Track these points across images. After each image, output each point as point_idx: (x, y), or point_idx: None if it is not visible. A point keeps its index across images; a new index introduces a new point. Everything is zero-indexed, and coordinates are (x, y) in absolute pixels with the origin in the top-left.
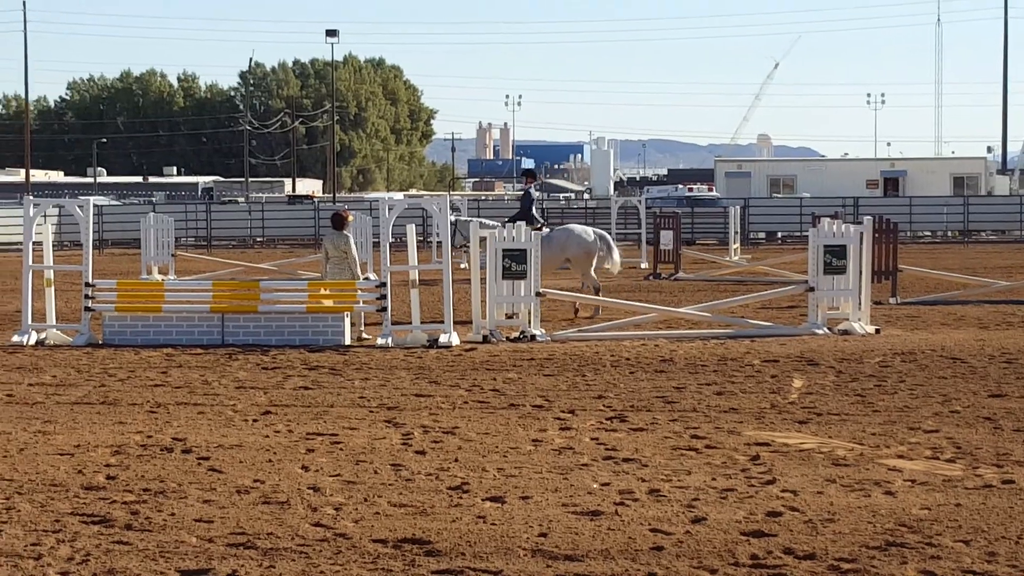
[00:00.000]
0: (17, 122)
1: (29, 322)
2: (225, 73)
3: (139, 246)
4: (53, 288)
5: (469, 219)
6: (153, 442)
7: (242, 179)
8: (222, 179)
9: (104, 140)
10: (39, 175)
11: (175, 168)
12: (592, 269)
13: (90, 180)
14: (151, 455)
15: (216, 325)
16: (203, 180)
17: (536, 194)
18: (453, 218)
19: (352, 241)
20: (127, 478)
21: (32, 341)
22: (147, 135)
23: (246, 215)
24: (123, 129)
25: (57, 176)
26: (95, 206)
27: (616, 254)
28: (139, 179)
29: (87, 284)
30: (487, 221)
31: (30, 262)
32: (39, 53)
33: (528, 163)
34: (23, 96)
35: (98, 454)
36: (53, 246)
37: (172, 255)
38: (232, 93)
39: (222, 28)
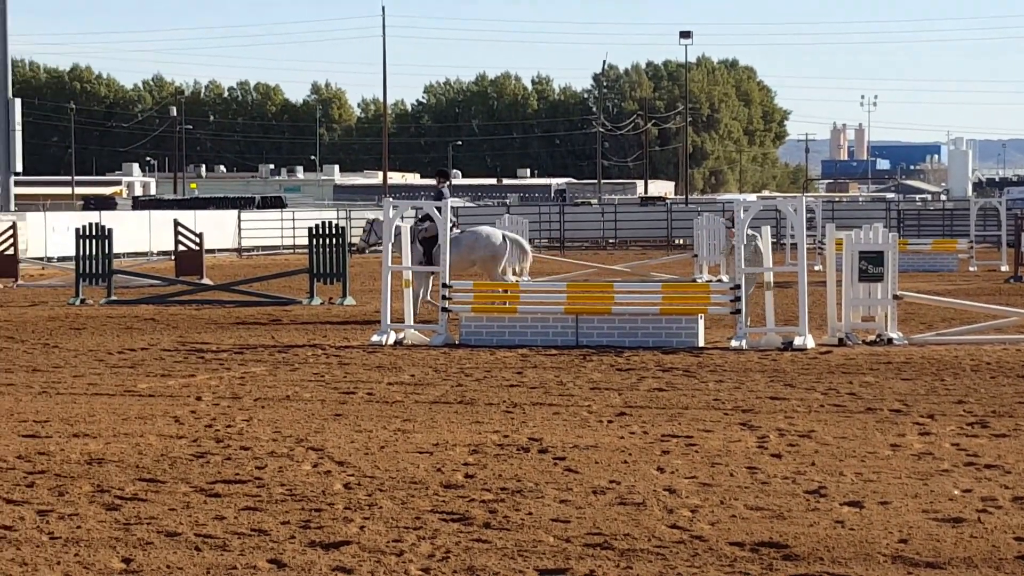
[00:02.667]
0: (375, 126)
1: (388, 322)
2: (579, 75)
3: None
4: (411, 289)
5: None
6: (510, 441)
7: (594, 181)
8: (575, 181)
9: (459, 143)
10: (396, 177)
11: (528, 170)
12: (499, 272)
13: None
14: (508, 454)
15: (570, 326)
16: (556, 182)
17: (448, 194)
18: (371, 217)
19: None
20: (485, 477)
21: (391, 341)
22: (501, 137)
23: (599, 217)
24: (477, 132)
25: (413, 178)
26: (451, 208)
27: (528, 258)
28: (493, 181)
29: (445, 285)
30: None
31: (389, 263)
32: (397, 58)
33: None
34: (381, 100)
35: (456, 453)
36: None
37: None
38: (585, 95)
39: (576, 31)
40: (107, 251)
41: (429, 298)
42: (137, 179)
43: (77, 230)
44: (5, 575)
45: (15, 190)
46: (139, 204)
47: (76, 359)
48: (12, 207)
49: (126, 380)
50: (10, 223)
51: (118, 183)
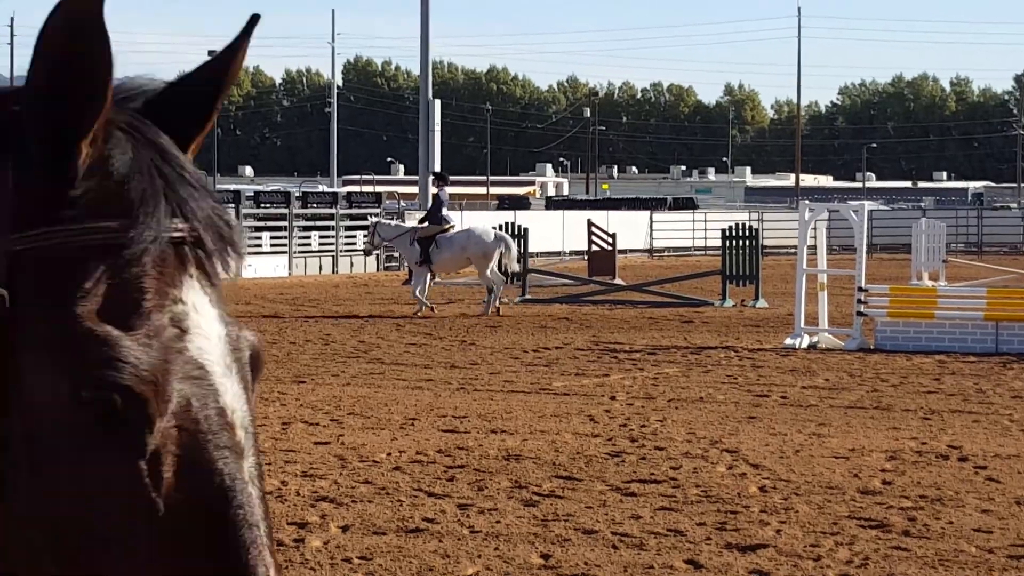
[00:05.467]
0: (788, 127)
1: (801, 325)
2: (999, 77)
3: (908, 251)
4: (826, 292)
5: (388, 222)
6: (928, 449)
7: (1014, 184)
8: (993, 184)
9: (873, 145)
10: (808, 179)
11: (944, 173)
12: (490, 268)
13: (858, 185)
14: (926, 462)
15: (990, 333)
16: (973, 185)
17: (445, 196)
18: (374, 220)
19: None
20: (903, 484)
21: (804, 344)
22: (917, 140)
23: (1019, 221)
24: (893, 134)
25: (826, 180)
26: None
27: (514, 253)
28: (908, 184)
29: (860, 289)
30: (403, 224)
31: (804, 266)
32: (811, 59)
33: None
34: (795, 102)
35: (873, 459)
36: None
37: (943, 261)
38: (1006, 97)
39: (996, 31)
40: (523, 250)
41: (417, 293)
42: (550, 179)
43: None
44: (428, 566)
45: (433, 189)
46: (552, 204)
47: (492, 356)
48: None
49: (541, 378)
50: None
51: (531, 183)
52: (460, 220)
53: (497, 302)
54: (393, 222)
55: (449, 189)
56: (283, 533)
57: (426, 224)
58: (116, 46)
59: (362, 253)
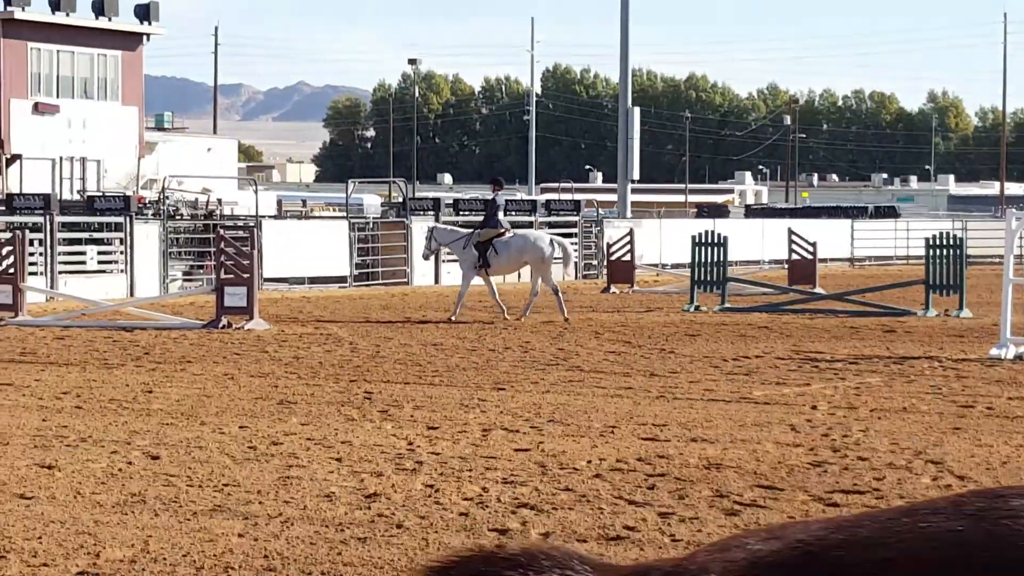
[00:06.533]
0: (993, 134)
1: (1008, 336)
2: None
3: None
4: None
5: (444, 227)
6: None
7: None
8: None
9: None
10: (1013, 187)
11: None
12: (549, 273)
13: None
14: None
15: None
16: None
17: (501, 200)
18: (430, 225)
19: None
20: None
21: (1010, 355)
22: None
23: None
24: None
25: None
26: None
27: (572, 261)
28: None
29: None
30: (459, 229)
31: (1011, 275)
32: (1017, 65)
33: None
34: (1000, 109)
35: None
36: None
37: None
38: None
39: None
40: (722, 259)
41: (498, 299)
42: (749, 187)
43: (693, 237)
44: None
45: (632, 197)
46: (751, 212)
47: (691, 365)
48: (628, 214)
49: (741, 387)
50: (627, 230)
51: (730, 191)
52: (659, 228)
53: (530, 307)
54: (449, 227)
55: (647, 197)
56: (484, 539)
57: (482, 230)
58: (324, 51)
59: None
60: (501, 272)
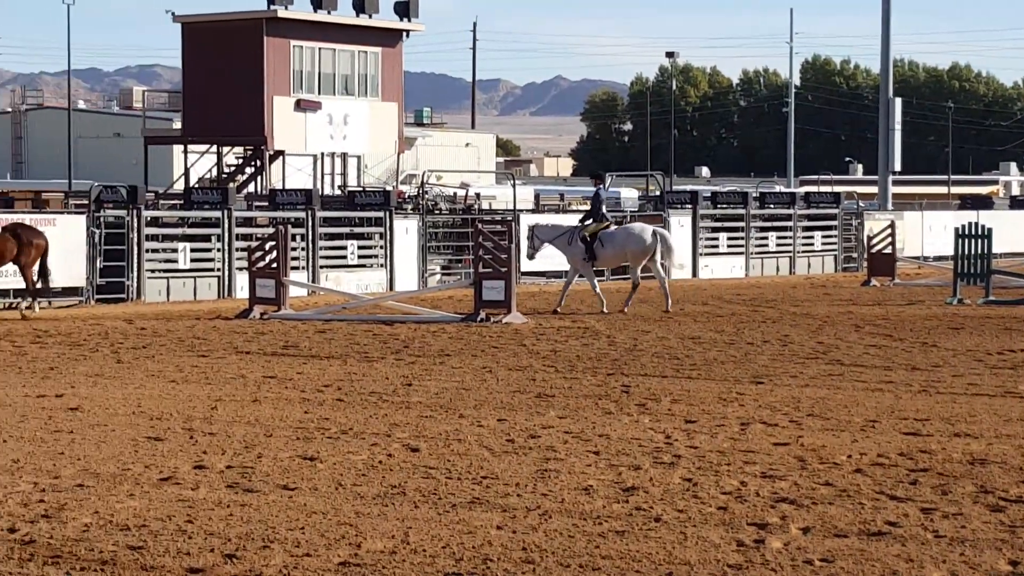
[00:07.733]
0: None
1: None
2: None
3: None
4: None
5: (545, 224)
6: None
7: None
8: None
9: None
10: None
11: None
12: (641, 266)
13: None
14: None
15: None
16: None
17: (604, 194)
18: (530, 224)
19: None
20: None
21: None
22: None
23: None
24: None
25: None
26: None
27: (675, 253)
28: None
29: None
30: (560, 223)
31: None
32: None
33: None
34: None
35: None
36: None
37: None
38: None
39: None
40: (986, 251)
41: (599, 291)
42: (1014, 178)
43: (956, 229)
44: (891, 570)
45: (893, 189)
46: (1016, 203)
47: (955, 359)
48: (890, 206)
49: (1006, 381)
50: (888, 222)
51: (994, 182)
52: (920, 220)
53: (630, 302)
54: (550, 223)
55: (908, 189)
56: (743, 533)
57: (588, 222)
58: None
59: (527, 257)
60: (606, 264)
